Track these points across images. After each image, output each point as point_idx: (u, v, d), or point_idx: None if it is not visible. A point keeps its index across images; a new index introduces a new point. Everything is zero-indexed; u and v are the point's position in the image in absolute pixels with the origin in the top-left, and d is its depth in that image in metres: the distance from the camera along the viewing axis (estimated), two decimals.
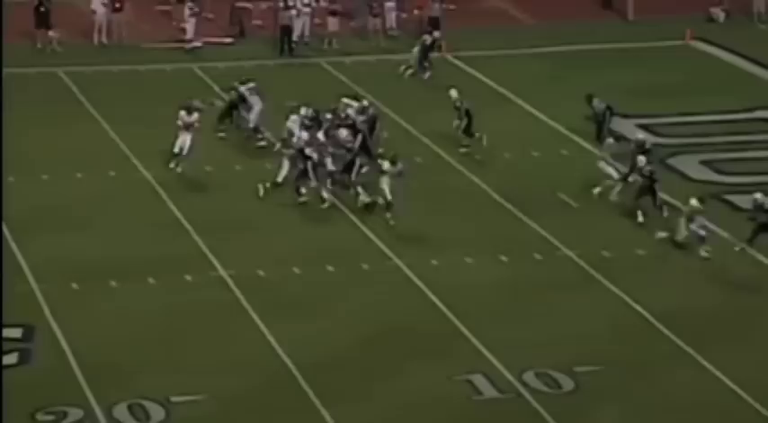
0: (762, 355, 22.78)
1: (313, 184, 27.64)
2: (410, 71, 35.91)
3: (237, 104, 30.98)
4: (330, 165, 28.10)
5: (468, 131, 30.57)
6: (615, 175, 27.96)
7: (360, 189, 27.79)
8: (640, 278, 25.37)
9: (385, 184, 26.71)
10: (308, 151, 27.62)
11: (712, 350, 22.72)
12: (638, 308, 24.21)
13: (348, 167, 28.02)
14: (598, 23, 40.65)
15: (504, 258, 26.02)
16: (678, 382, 21.98)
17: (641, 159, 27.27)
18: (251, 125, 30.74)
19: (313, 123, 29.03)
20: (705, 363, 22.43)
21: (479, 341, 22.90)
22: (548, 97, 34.51)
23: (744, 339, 23.32)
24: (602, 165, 28.47)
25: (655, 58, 37.89)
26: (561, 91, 34.76)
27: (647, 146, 28.58)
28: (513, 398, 21.49)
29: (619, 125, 32.28)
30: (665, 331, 23.42)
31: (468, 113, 30.61)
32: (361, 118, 29.42)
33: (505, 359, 22.30)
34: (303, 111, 29.44)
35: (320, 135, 28.62)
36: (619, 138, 29.53)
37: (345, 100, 30.22)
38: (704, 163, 30.58)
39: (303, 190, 27.61)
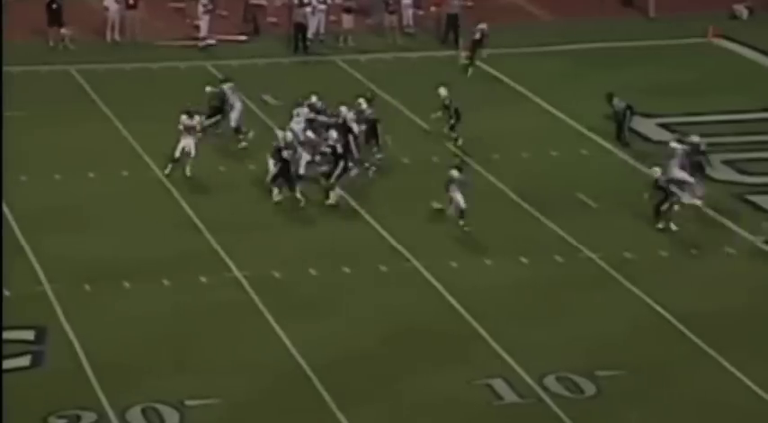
0: None
1: (278, 190, 27.50)
2: (469, 69, 35.96)
3: (222, 107, 30.69)
4: (323, 165, 28.20)
5: (452, 128, 30.60)
6: (690, 179, 27.64)
7: (332, 191, 27.66)
8: (662, 280, 25.27)
9: (455, 192, 26.62)
10: (285, 154, 27.52)
11: (735, 352, 22.63)
12: (661, 310, 24.11)
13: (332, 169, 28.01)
14: (618, 21, 40.52)
15: (523, 260, 25.92)
16: (701, 386, 21.89)
17: (655, 170, 26.89)
18: (232, 124, 30.56)
19: (318, 116, 29.06)
20: (728, 365, 22.33)
21: (499, 345, 22.83)
22: (566, 96, 34.40)
23: (765, 341, 23.17)
24: (675, 172, 27.76)
25: (676, 56, 37.76)
26: (580, 89, 34.66)
27: (702, 147, 28.28)
28: (533, 403, 21.41)
29: (639, 124, 32.19)
30: (688, 334, 23.32)
31: (456, 112, 30.58)
32: (351, 117, 29.21)
33: (526, 363, 22.22)
34: (314, 98, 29.35)
35: (310, 133, 28.59)
36: (681, 140, 28.66)
37: (360, 100, 30.15)
38: (727, 163, 30.40)
39: (298, 195, 27.52)
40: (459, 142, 30.68)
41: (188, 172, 28.92)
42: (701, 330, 23.32)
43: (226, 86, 30.81)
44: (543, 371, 22.00)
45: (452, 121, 30.75)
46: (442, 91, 31.00)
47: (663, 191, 26.67)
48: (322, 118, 29.31)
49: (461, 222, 26.63)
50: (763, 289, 25.04)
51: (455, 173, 26.90)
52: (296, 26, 37.86)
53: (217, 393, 21.35)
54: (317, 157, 28.43)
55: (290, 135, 28.12)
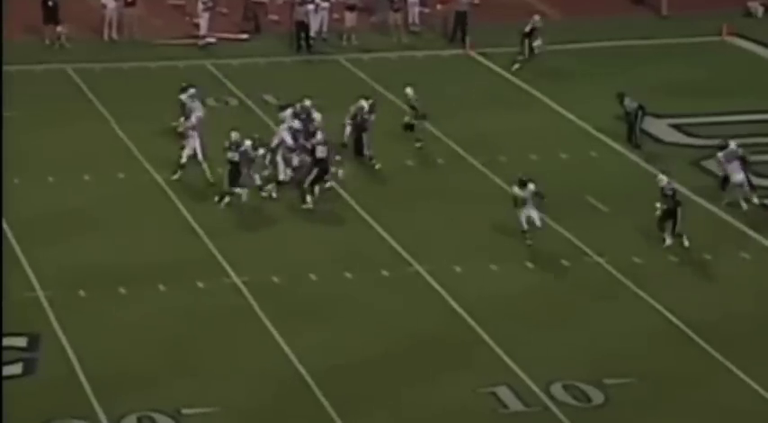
0: None
1: (234, 190, 27.59)
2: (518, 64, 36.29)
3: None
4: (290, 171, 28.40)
5: (410, 128, 30.59)
6: (747, 185, 27.76)
7: (309, 197, 27.79)
8: (672, 286, 25.31)
9: (529, 210, 26.15)
10: (229, 155, 27.57)
11: (746, 359, 22.66)
12: (671, 317, 24.15)
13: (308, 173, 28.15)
14: (629, 19, 40.55)
15: (530, 265, 25.97)
16: (712, 394, 21.92)
17: (661, 179, 26.58)
18: (180, 129, 30.59)
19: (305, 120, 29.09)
20: (740, 373, 22.37)
21: (504, 352, 22.88)
22: (576, 96, 34.46)
23: None
24: (737, 176, 27.85)
25: (689, 54, 37.79)
26: (590, 89, 34.74)
27: (741, 154, 28.17)
28: (539, 411, 21.46)
29: (651, 125, 32.21)
30: (699, 341, 23.35)
31: (419, 114, 30.52)
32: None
33: (532, 371, 22.27)
34: (308, 102, 29.35)
35: (289, 140, 28.60)
36: (722, 146, 28.42)
37: (362, 101, 30.14)
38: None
39: (227, 199, 27.75)
40: (419, 145, 30.59)
41: (210, 178, 28.79)
42: (711, 337, 23.36)
43: (184, 95, 30.67)
44: (549, 379, 22.05)
45: (413, 121, 30.58)
46: (409, 91, 30.99)
47: (671, 199, 26.32)
48: (296, 125, 29.18)
49: (526, 239, 26.13)
50: None
51: (516, 190, 26.32)
52: (297, 25, 37.87)
53: (214, 401, 21.43)
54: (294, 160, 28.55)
55: (234, 135, 28.08)
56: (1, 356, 21.45)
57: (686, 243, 26.27)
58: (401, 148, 30.73)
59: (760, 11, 41.39)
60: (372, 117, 30.04)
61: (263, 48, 37.95)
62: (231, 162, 27.72)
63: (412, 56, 37.75)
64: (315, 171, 28.06)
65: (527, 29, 36.51)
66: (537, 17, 36.65)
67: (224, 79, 35.45)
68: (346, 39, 38.49)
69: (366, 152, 29.82)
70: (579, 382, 22.00)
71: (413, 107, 30.82)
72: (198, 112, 30.34)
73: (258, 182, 28.20)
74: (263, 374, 22.19)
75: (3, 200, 26.08)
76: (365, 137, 29.90)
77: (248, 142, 27.87)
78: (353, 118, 29.98)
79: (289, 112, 29.51)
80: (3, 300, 21.66)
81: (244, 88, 34.67)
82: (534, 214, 26.19)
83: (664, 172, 27.08)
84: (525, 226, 26.19)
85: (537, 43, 36.36)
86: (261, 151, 28.18)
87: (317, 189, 28.18)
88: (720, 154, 28.36)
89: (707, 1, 40.65)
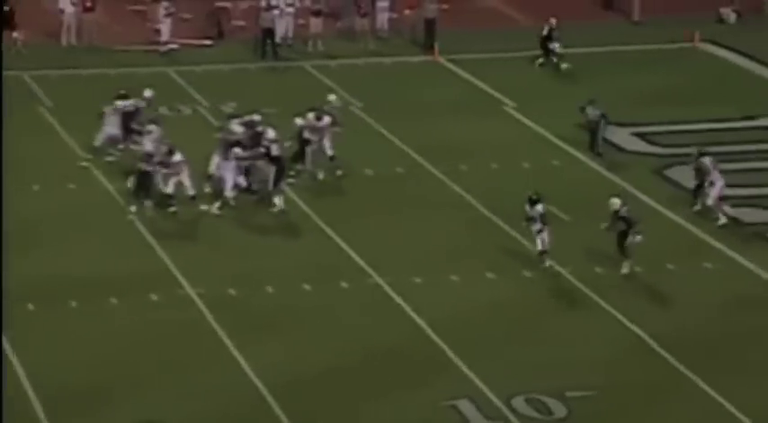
0: (764, 378, 22.76)
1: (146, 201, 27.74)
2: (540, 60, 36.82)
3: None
4: (243, 180, 28.44)
5: None
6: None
7: (277, 199, 27.88)
8: (636, 297, 25.40)
9: (543, 231, 25.89)
10: (143, 166, 27.62)
11: (711, 373, 22.74)
12: (634, 328, 24.23)
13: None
14: (600, 25, 40.67)
15: (491, 276, 26.03)
16: (674, 406, 21.98)
17: (614, 202, 26.13)
18: (96, 143, 30.50)
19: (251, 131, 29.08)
20: (705, 386, 22.46)
21: (465, 364, 22.92)
22: (540, 103, 34.52)
23: (744, 361, 23.29)
24: (720, 184, 28.20)
25: (660, 61, 37.92)
26: (556, 97, 34.83)
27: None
28: None
29: (614, 134, 32.27)
30: (663, 353, 23.44)
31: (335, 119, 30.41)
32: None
33: (493, 384, 22.31)
34: (257, 117, 29.24)
35: (239, 150, 28.61)
36: (702, 154, 28.68)
37: (309, 114, 29.93)
38: None
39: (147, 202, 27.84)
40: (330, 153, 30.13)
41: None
42: (675, 348, 23.45)
43: (106, 109, 30.62)
44: (511, 391, 22.10)
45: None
46: (332, 98, 30.92)
47: (624, 222, 26.01)
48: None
49: (547, 264, 25.89)
50: (738, 306, 25.16)
51: (527, 208, 26.09)
52: (264, 32, 37.80)
53: (169, 417, 21.38)
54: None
55: (149, 146, 28.12)
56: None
57: (626, 269, 25.82)
58: (361, 157, 30.71)
59: (732, 17, 41.55)
60: (323, 123, 29.85)
61: (227, 54, 37.99)
62: (143, 172, 27.66)
63: (379, 62, 37.82)
64: (273, 170, 28.07)
65: (544, 32, 36.75)
66: (553, 20, 36.80)
67: (187, 86, 35.44)
68: (312, 45, 38.53)
69: (307, 165, 29.59)
70: (541, 395, 22.05)
71: (332, 115, 30.61)
72: (113, 129, 30.13)
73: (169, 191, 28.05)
74: (220, 389, 22.17)
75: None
76: (308, 150, 29.63)
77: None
78: (300, 133, 29.73)
79: (234, 121, 29.48)
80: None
81: (207, 95, 34.68)
82: (545, 235, 25.97)
83: (616, 195, 26.70)
84: (540, 247, 25.99)
85: (554, 46, 36.55)
86: (178, 157, 28.06)
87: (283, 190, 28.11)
88: (707, 160, 28.39)
89: (679, 7, 40.81)
